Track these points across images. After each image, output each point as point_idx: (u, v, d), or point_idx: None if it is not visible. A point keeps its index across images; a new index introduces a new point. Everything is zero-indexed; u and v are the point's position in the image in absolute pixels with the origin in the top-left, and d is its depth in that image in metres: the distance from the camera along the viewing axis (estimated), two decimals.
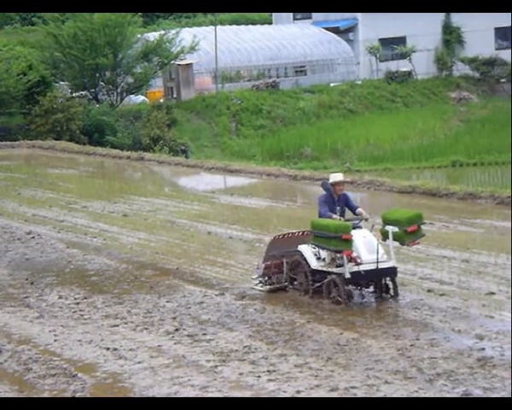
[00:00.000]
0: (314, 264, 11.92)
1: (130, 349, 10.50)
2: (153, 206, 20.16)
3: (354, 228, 11.65)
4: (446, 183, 22.34)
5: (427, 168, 27.36)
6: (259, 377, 9.39)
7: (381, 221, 12.00)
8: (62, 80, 37.55)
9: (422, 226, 11.96)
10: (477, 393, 8.58)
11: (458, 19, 45.18)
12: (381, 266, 11.56)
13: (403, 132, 33.60)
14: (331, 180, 12.17)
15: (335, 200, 12.11)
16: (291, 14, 47.51)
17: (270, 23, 48.76)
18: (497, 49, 45.96)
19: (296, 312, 11.63)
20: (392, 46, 43.55)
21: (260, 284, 12.67)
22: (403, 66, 42.85)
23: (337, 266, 11.69)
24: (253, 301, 12.20)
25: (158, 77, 38.59)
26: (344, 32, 44.46)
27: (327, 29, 44.39)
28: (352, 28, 44.68)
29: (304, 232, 12.32)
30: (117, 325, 11.47)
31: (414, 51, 42.88)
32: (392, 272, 11.70)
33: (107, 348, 10.57)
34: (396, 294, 11.75)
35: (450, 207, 18.43)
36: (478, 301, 11.58)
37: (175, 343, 10.66)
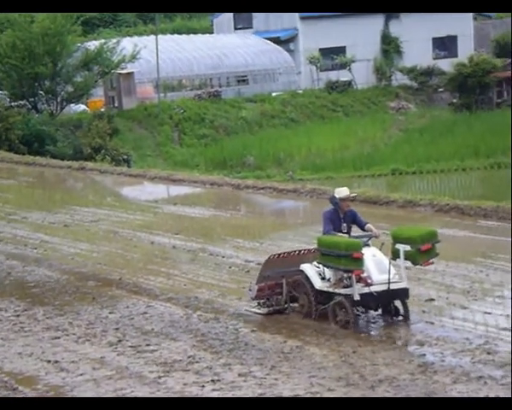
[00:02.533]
0: (319, 284, 11.13)
1: (72, 361, 10.38)
2: (95, 216, 19.96)
3: (363, 246, 10.88)
4: (386, 191, 22.70)
5: (368, 177, 27.74)
6: (204, 386, 9.38)
7: (391, 239, 11.14)
8: (1, 90, 36.95)
9: (436, 245, 11.10)
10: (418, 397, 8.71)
11: (396, 29, 45.92)
12: (393, 287, 10.81)
13: (344, 141, 33.99)
14: (337, 196, 11.36)
15: (342, 216, 11.32)
16: (232, 23, 47.68)
17: (211, 32, 48.84)
18: (434, 58, 46.82)
19: (240, 321, 11.65)
20: (333, 56, 44.04)
21: (257, 307, 11.89)
22: (343, 75, 43.35)
23: (344, 287, 10.93)
24: (198, 311, 12.18)
25: (99, 86, 38.29)
26: (285, 42, 44.79)
27: (268, 39, 44.65)
28: (292, 38, 45.04)
29: (301, 251, 11.75)
30: (58, 337, 11.32)
31: (353, 61, 43.44)
32: (404, 293, 10.96)
33: (49, 361, 10.44)
34: (407, 317, 11.03)
35: (391, 215, 18.70)
36: (418, 307, 11.76)
37: (118, 355, 10.58)
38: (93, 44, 38.12)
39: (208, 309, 12.27)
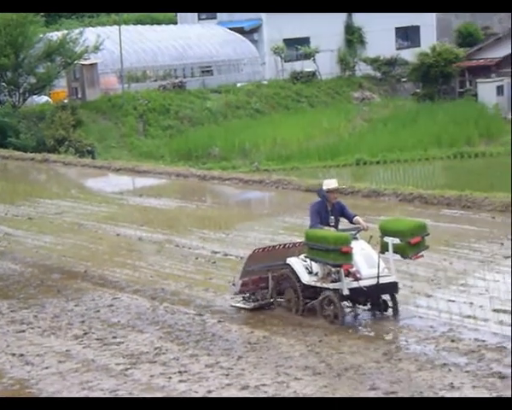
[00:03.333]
0: (306, 279, 10.88)
1: (38, 355, 10.32)
2: (59, 208, 19.81)
3: (351, 239, 10.62)
4: (351, 181, 22.81)
5: (333, 167, 27.84)
6: (170, 378, 9.39)
7: (379, 232, 10.97)
8: None
9: (426, 238, 10.92)
10: (384, 386, 8.81)
11: (359, 19, 46.11)
12: (382, 281, 10.60)
13: (309, 132, 34.07)
14: (325, 187, 11.13)
15: (329, 209, 11.07)
16: (196, 13, 47.47)
17: (175, 23, 48.60)
18: (397, 48, 47.12)
19: (207, 311, 11.67)
20: (297, 46, 44.10)
21: (243, 301, 11.63)
22: (307, 66, 43.44)
23: (332, 282, 10.70)
24: (164, 303, 12.17)
25: (62, 77, 37.92)
26: (249, 33, 44.74)
27: (232, 29, 44.57)
28: (256, 29, 45.00)
29: (287, 245, 11.55)
30: (23, 331, 11.25)
31: (317, 52, 43.53)
32: (393, 287, 10.78)
33: (14, 354, 10.37)
34: (396, 312, 10.87)
35: (356, 205, 18.76)
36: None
37: (84, 347, 10.54)
38: (55, 35, 37.73)
39: (175, 301, 12.27)
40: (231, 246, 15.39)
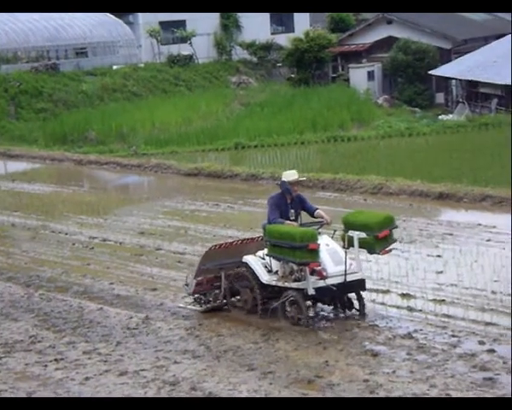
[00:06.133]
0: (266, 278, 10.13)
1: None
2: None
3: None
4: (230, 164, 22.94)
5: (212, 151, 27.88)
6: (46, 366, 9.26)
7: (344, 226, 10.24)
8: None
9: (393, 231, 10.24)
10: (262, 366, 8.97)
11: None
12: (349, 278, 9.90)
13: (187, 115, 33.97)
14: (285, 179, 10.40)
15: (289, 202, 10.36)
16: None
17: None
18: (272, 33, 47.62)
19: (85, 298, 11.52)
20: (173, 29, 43.86)
21: (193, 303, 10.87)
22: (184, 49, 43.30)
23: (295, 281, 9.92)
24: (40, 290, 11.92)
25: None
26: (123, 15, 44.09)
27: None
28: None
29: (244, 240, 10.82)
30: None
31: (194, 35, 43.45)
32: (361, 285, 10.10)
33: None
34: (363, 311, 10.21)
35: (235, 188, 19.01)
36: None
37: None
38: None
39: (51, 288, 12.04)
40: (110, 231, 15.23)
